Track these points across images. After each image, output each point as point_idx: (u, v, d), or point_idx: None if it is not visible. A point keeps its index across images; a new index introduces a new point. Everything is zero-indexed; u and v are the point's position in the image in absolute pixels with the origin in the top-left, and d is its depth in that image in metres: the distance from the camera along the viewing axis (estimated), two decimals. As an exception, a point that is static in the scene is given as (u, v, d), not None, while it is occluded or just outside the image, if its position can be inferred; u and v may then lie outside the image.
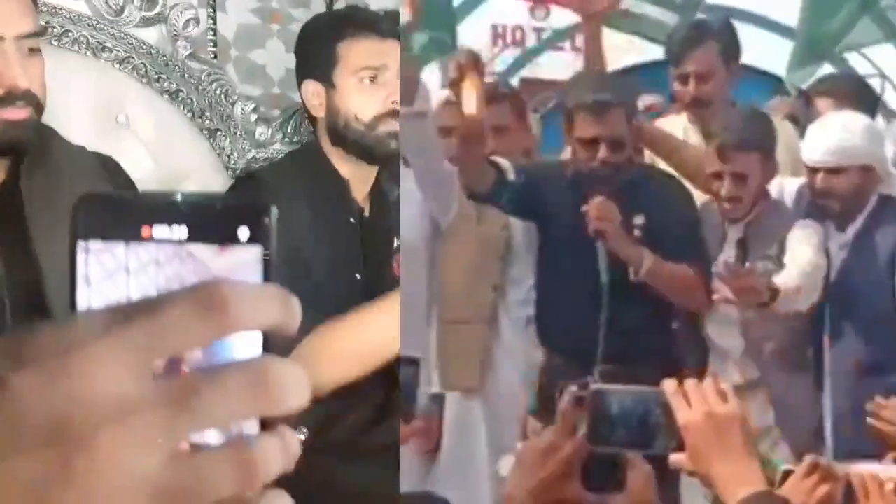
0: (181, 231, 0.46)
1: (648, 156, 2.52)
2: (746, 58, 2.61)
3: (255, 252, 0.47)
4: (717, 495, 1.23)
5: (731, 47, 2.50)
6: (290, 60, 2.58)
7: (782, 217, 2.33)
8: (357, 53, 2.09)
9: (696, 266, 2.28)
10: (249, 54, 2.59)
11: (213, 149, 2.46)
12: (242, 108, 2.47)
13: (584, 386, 1.64)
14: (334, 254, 2.12)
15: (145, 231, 0.46)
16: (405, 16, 2.31)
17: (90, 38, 2.29)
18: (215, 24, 2.52)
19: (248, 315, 0.44)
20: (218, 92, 2.44)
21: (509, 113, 2.50)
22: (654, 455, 1.19)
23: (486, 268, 2.42)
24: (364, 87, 2.10)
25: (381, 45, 2.10)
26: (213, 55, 2.50)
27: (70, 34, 2.27)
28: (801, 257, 2.24)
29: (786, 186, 2.40)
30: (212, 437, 0.45)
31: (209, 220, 0.47)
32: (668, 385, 1.22)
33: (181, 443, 0.43)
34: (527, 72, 3.55)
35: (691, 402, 1.22)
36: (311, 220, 2.09)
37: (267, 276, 0.47)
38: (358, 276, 2.15)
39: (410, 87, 2.22)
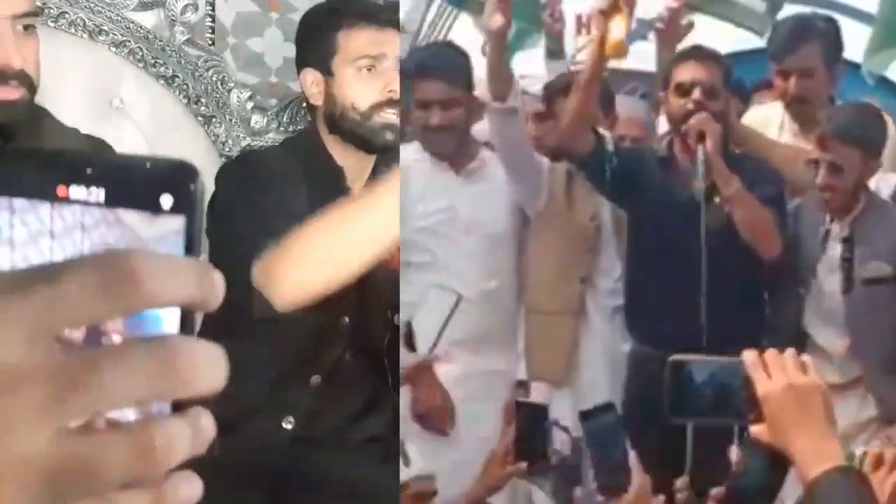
0: (99, 193, 0.43)
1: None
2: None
3: (177, 221, 0.44)
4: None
5: (835, 48, 2.50)
6: (288, 49, 2.57)
7: (889, 214, 2.32)
8: (355, 42, 2.09)
9: (777, 221, 2.31)
10: (247, 42, 2.58)
11: (208, 135, 2.46)
12: (238, 96, 2.46)
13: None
14: None
15: (61, 191, 0.43)
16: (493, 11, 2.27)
17: (87, 21, 2.28)
18: (214, 10, 2.51)
19: (162, 290, 0.41)
20: (214, 79, 2.43)
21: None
22: (736, 424, 1.21)
23: (575, 258, 2.44)
24: (361, 76, 2.10)
25: (379, 34, 2.10)
26: (210, 42, 2.49)
27: (67, 16, 2.27)
28: None
29: (884, 183, 2.39)
30: (118, 416, 0.43)
31: (130, 184, 0.44)
32: (748, 356, 1.22)
33: (75, 420, 0.40)
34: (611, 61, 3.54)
35: (771, 373, 1.21)
36: (306, 205, 2.08)
37: (189, 249, 0.44)
38: None
39: (504, 83, 2.29)
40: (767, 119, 2.55)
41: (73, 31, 2.27)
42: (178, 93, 2.40)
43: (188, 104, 2.41)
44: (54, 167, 0.44)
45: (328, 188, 2.12)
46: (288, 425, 2.09)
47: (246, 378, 2.07)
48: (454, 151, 2.44)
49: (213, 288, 0.44)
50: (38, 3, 1.90)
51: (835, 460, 1.17)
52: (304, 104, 2.45)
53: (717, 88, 2.33)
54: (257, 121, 2.50)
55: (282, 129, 2.52)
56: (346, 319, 2.13)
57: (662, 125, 2.57)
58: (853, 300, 2.28)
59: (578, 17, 3.72)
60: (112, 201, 0.43)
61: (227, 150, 2.47)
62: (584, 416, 1.47)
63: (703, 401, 1.21)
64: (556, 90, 2.51)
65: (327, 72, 2.10)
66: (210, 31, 2.50)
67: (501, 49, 2.30)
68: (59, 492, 0.40)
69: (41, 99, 1.84)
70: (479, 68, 2.44)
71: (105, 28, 2.30)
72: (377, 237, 1.72)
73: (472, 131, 2.49)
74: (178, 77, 2.38)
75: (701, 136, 2.27)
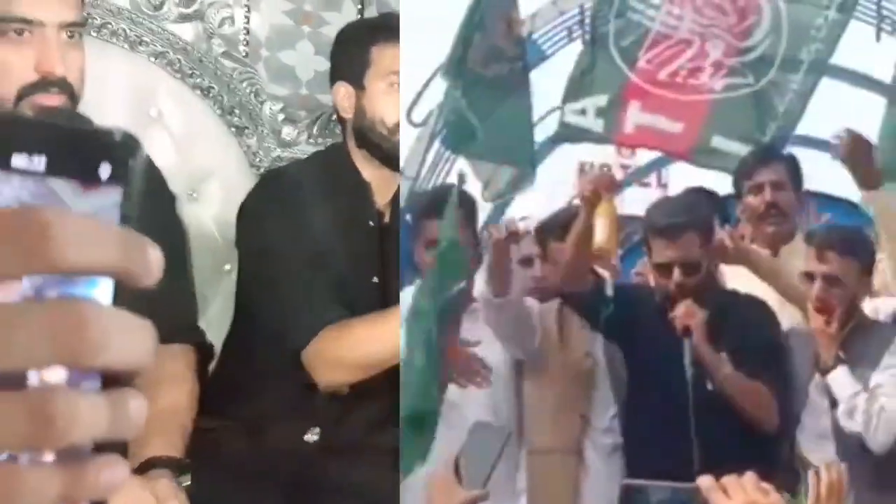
0: (40, 161, 0.42)
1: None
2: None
3: (114, 192, 0.43)
4: None
5: (797, 174, 2.54)
6: (319, 62, 2.63)
7: (879, 333, 2.30)
8: (388, 57, 2.15)
9: (772, 387, 2.28)
10: (279, 54, 2.64)
11: (240, 146, 2.52)
12: (271, 108, 2.52)
13: None
14: (352, 255, 2.16)
15: (3, 160, 0.42)
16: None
17: (128, 31, 2.35)
18: (248, 23, 2.57)
19: (76, 251, 0.39)
20: (248, 90, 2.49)
21: None
22: None
23: (572, 396, 2.41)
24: (392, 91, 2.15)
25: None
26: (244, 54, 2.55)
27: (109, 26, 2.33)
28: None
29: (881, 307, 2.38)
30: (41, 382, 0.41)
31: (70, 152, 0.42)
32: (704, 480, 1.18)
33: None
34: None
35: (731, 495, 1.17)
36: (332, 219, 2.14)
37: (125, 220, 0.43)
38: (375, 280, 2.19)
39: (506, 283, 2.28)
40: None
41: (114, 41, 2.34)
42: (213, 104, 2.46)
43: (222, 115, 2.47)
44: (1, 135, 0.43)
45: (356, 203, 2.18)
46: (313, 437, 2.14)
47: (273, 387, 2.12)
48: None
49: (146, 262, 0.42)
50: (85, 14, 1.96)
51: None
52: (334, 116, 2.50)
53: (698, 259, 2.29)
54: (288, 132, 2.55)
55: (311, 140, 2.57)
56: None
57: None
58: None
59: (581, 165, 3.80)
60: (52, 170, 0.42)
61: (259, 160, 2.52)
62: None
63: None
64: (549, 232, 2.49)
65: (359, 86, 2.15)
66: (244, 43, 2.56)
67: (505, 257, 2.28)
68: None
69: (83, 107, 1.89)
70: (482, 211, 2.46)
71: (146, 39, 2.37)
72: None
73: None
74: (213, 88, 2.44)
75: (686, 330, 2.25)
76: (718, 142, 2.90)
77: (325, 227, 2.12)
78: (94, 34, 2.29)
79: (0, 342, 0.39)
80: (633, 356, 2.37)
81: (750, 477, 1.20)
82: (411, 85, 2.29)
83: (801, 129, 2.95)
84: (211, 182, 2.46)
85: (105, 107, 2.20)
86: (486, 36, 2.63)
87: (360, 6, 2.68)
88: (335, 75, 2.20)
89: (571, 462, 2.40)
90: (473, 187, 2.54)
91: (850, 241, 2.27)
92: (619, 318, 2.33)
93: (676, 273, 2.26)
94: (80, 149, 0.42)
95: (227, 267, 2.48)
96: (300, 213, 2.10)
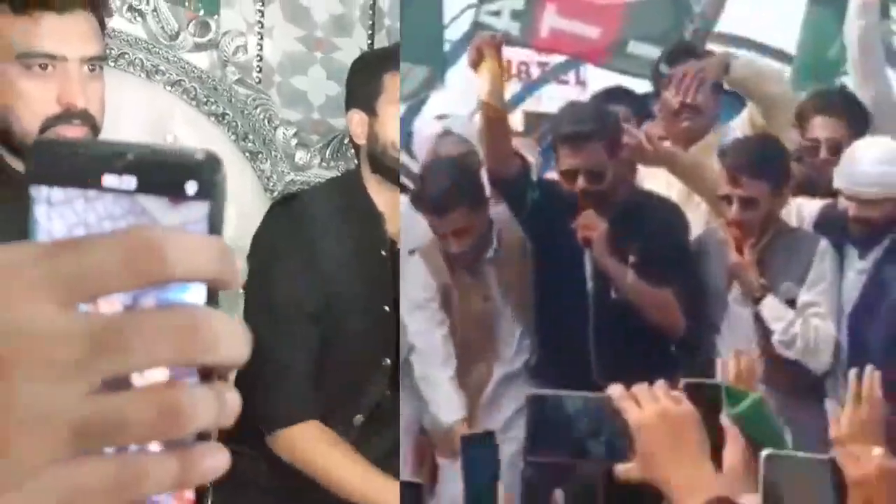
0: (130, 181, 0.46)
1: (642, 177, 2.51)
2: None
3: (202, 207, 0.46)
4: None
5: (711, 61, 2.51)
6: (331, 87, 2.67)
7: (800, 241, 2.33)
8: (400, 84, 2.20)
9: (678, 290, 2.29)
10: (292, 80, 2.68)
11: (255, 171, 2.55)
12: (284, 133, 2.56)
13: None
14: (364, 284, 2.19)
15: (96, 180, 0.46)
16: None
17: (144, 61, 2.39)
18: (262, 50, 2.61)
19: (183, 263, 0.43)
20: (262, 116, 2.53)
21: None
22: (604, 462, 1.12)
23: (477, 345, 2.41)
24: None
25: None
26: (258, 80, 2.59)
27: (126, 56, 2.38)
28: (820, 330, 2.23)
29: (804, 208, 2.40)
30: (146, 379, 0.44)
31: (157, 172, 0.46)
32: (615, 389, 1.16)
33: (104, 379, 0.42)
34: (530, 104, 3.57)
35: (642, 403, 1.14)
36: (344, 248, 2.17)
37: (212, 232, 0.46)
38: (386, 308, 2.22)
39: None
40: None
41: (131, 70, 2.38)
42: (227, 130, 2.50)
43: (236, 140, 2.51)
44: (92, 156, 0.46)
45: (368, 232, 2.21)
46: (357, 422, 2.18)
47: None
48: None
49: (233, 268, 0.46)
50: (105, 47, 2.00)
51: (712, 491, 1.11)
52: (346, 140, 2.54)
53: (603, 167, 2.29)
54: (301, 157, 2.59)
55: (324, 164, 2.61)
56: (388, 361, 2.23)
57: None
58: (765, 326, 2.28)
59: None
60: (142, 188, 0.45)
61: (272, 185, 2.56)
62: (464, 440, 1.41)
63: (567, 439, 1.12)
64: None
65: (372, 112, 2.19)
66: (258, 69, 2.61)
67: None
68: (83, 447, 0.42)
69: (102, 136, 1.93)
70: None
71: (161, 68, 2.41)
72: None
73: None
74: (227, 115, 2.49)
75: (587, 241, 2.27)
76: (635, 46, 2.89)
77: (336, 257, 2.16)
78: (112, 64, 2.33)
79: (121, 348, 0.42)
80: (543, 256, 2.36)
81: (661, 385, 1.17)
82: None
83: (720, 27, 2.95)
84: (226, 206, 2.49)
85: (122, 135, 2.24)
86: None
87: (370, 31, 2.73)
88: (349, 103, 2.24)
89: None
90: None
91: (761, 162, 2.26)
92: (539, 210, 2.34)
93: (581, 180, 2.27)
94: (166, 168, 0.46)
95: (241, 291, 2.51)
96: (309, 246, 2.13)
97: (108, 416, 0.42)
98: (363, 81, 2.21)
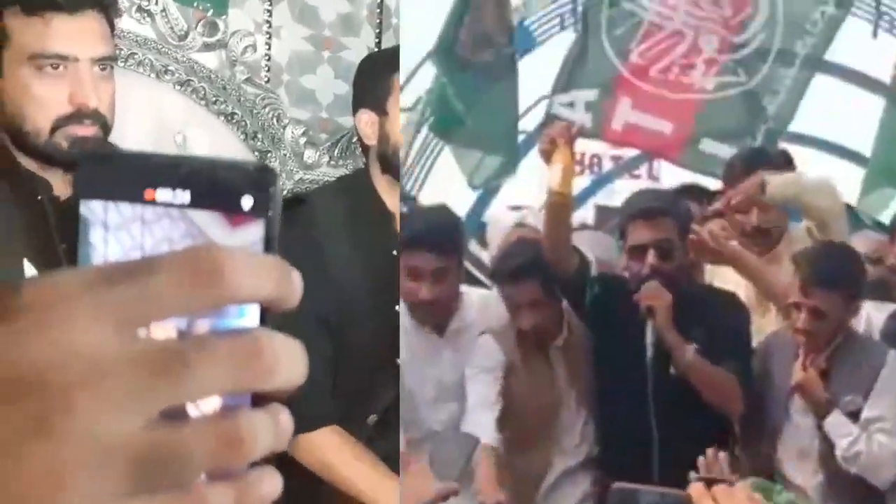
0: (184, 196, 0.44)
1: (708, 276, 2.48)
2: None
3: (258, 222, 0.44)
4: None
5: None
6: (339, 86, 2.68)
7: (867, 351, 2.26)
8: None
9: (738, 376, 2.26)
10: (300, 79, 2.69)
11: (264, 170, 2.55)
12: (293, 132, 2.57)
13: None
14: (374, 283, 2.20)
15: (148, 194, 0.44)
16: None
17: (154, 61, 2.40)
18: (270, 49, 2.62)
19: (244, 285, 0.42)
20: (270, 115, 2.54)
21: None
22: None
23: (542, 426, 2.36)
24: None
25: None
26: (266, 80, 2.60)
27: (136, 56, 2.39)
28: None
29: (873, 314, 2.34)
30: (202, 408, 0.43)
31: (212, 186, 0.44)
32: (696, 488, 1.16)
33: (163, 409, 0.41)
34: (602, 197, 3.54)
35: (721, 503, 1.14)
36: (354, 248, 2.18)
37: (268, 248, 0.45)
38: (397, 309, 2.23)
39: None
40: None
41: (140, 70, 2.39)
42: (236, 129, 2.51)
43: (245, 139, 2.52)
44: (143, 169, 0.45)
45: (379, 233, 2.21)
46: (371, 421, 2.20)
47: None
48: (438, 318, 2.37)
49: (292, 286, 0.44)
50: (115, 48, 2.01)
51: None
52: (355, 139, 2.54)
53: (673, 245, 2.28)
54: (310, 155, 2.60)
55: (333, 163, 2.62)
56: (399, 360, 2.24)
57: None
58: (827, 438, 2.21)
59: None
60: (196, 203, 0.44)
61: (282, 183, 2.56)
62: None
63: None
64: None
65: (382, 112, 2.20)
66: (266, 69, 2.62)
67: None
68: (144, 480, 0.41)
69: (112, 135, 1.93)
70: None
71: (171, 68, 2.42)
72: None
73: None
74: (236, 114, 2.49)
75: (650, 311, 2.24)
76: (707, 144, 2.87)
77: (346, 257, 2.16)
78: (122, 64, 2.34)
79: (182, 375, 0.41)
80: (603, 348, 2.34)
81: (742, 487, 1.18)
82: (402, 71, 2.29)
83: (794, 126, 2.93)
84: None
85: (131, 134, 2.25)
86: (476, 21, 2.60)
87: (377, 30, 2.74)
88: (358, 103, 2.24)
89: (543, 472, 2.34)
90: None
91: (834, 273, 2.20)
92: (599, 304, 2.33)
93: (651, 255, 2.25)
94: (221, 182, 0.44)
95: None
96: (320, 251, 2.13)
97: (170, 447, 0.41)
98: (372, 82, 2.22)
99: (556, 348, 2.36)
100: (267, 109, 2.54)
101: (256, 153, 2.55)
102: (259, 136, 2.54)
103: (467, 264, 2.52)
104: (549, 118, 2.81)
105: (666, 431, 2.26)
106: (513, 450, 2.27)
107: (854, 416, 2.20)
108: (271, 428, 0.43)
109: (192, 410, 0.43)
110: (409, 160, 2.82)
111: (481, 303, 2.39)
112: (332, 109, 2.71)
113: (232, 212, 0.44)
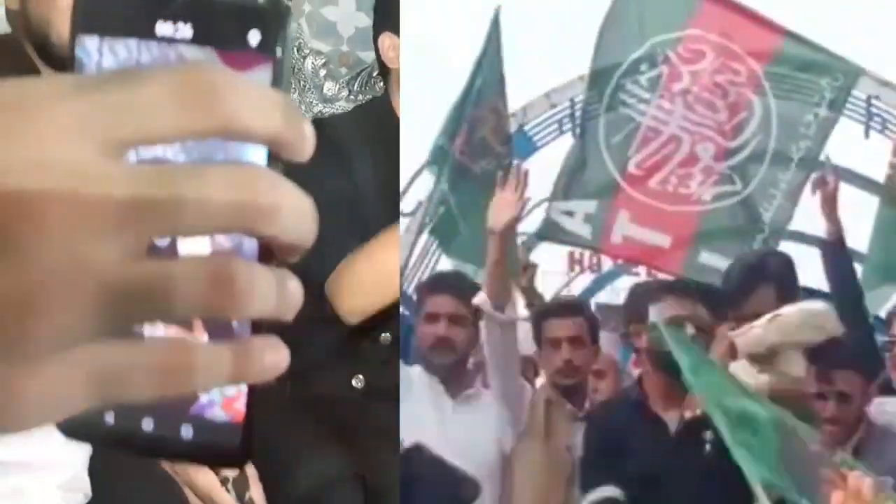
0: (185, 30, 0.40)
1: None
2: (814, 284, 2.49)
3: (266, 63, 0.40)
4: None
5: (790, 287, 2.36)
6: (360, 19, 2.65)
7: (887, 439, 2.20)
8: None
9: None
10: (322, 10, 2.65)
11: (282, 101, 2.53)
12: (313, 63, 2.54)
13: None
14: (393, 206, 2.20)
15: (148, 28, 0.40)
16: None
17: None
18: (292, -25, 2.59)
19: (243, 113, 0.37)
20: (291, 45, 2.50)
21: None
22: None
23: (553, 489, 2.22)
24: None
25: None
26: (287, 8, 2.56)
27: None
28: None
29: (888, 407, 2.29)
30: (193, 247, 0.40)
31: (218, 19, 0.40)
32: None
33: (148, 240, 0.37)
34: (603, 296, 3.51)
35: None
36: (373, 171, 2.16)
37: (275, 87, 0.40)
38: None
39: (504, 289, 2.12)
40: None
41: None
42: (255, 57, 2.47)
43: (264, 69, 2.49)
44: (144, 3, 0.41)
45: (397, 156, 2.20)
46: (358, 384, 2.18)
47: (319, 331, 2.16)
48: (453, 376, 2.24)
49: (301, 128, 0.40)
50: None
51: None
52: (375, 73, 2.51)
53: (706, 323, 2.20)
54: (329, 88, 2.58)
55: (352, 97, 2.60)
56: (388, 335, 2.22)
57: None
58: None
59: (571, 254, 3.68)
60: (198, 38, 0.40)
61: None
62: None
63: None
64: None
65: None
66: (288, -2, 2.58)
67: (504, 248, 2.06)
68: (125, 314, 0.37)
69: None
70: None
71: (189, -6, 2.38)
72: None
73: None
74: (256, 42, 2.46)
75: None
76: (707, 257, 2.84)
77: (366, 179, 2.15)
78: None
79: (172, 203, 0.36)
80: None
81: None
82: (403, 172, 2.31)
83: (793, 225, 2.91)
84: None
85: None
86: (474, 129, 2.59)
87: (404, -41, 2.69)
88: (379, 27, 2.22)
89: None
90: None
91: (850, 353, 2.18)
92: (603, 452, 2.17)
93: (690, 327, 2.15)
94: (226, 15, 0.40)
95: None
96: (340, 158, 2.12)
97: (153, 281, 0.36)
98: (394, 4, 2.19)
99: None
100: (287, 38, 2.50)
101: (275, 83, 2.52)
102: (278, 65, 2.51)
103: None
104: (549, 225, 2.78)
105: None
106: None
107: None
108: (272, 284, 0.39)
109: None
110: (410, 265, 2.77)
111: None
112: (353, 43, 2.68)
113: (238, 48, 0.40)
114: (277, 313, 0.39)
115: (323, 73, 2.57)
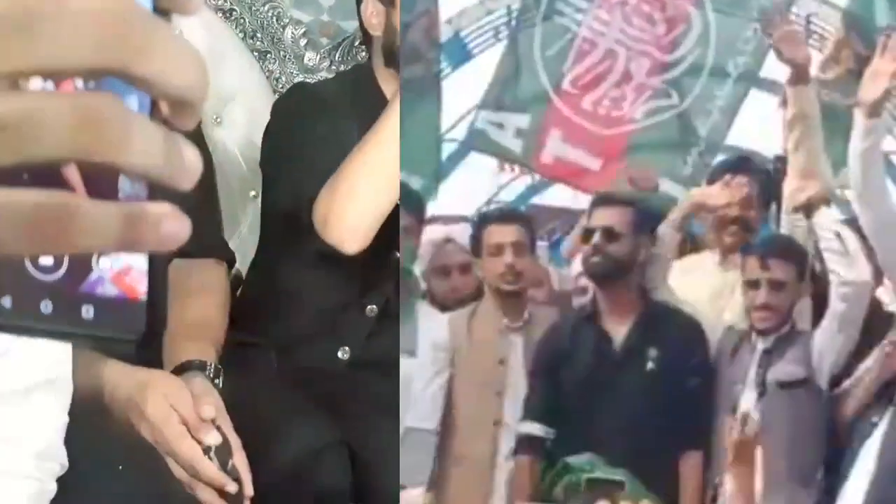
0: None
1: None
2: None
3: None
4: None
5: (769, 190, 2.41)
6: (342, -13, 2.59)
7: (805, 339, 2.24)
8: None
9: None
10: (302, -22, 2.61)
11: (263, 71, 2.49)
12: (293, 33, 2.50)
13: None
14: None
15: None
16: None
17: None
18: (272, -56, 2.54)
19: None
20: (270, 14, 2.47)
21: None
22: None
23: (485, 403, 2.20)
24: None
25: None
26: (267, -24, 2.52)
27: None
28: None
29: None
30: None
31: None
32: None
33: (12, 66, 0.34)
34: (536, 200, 3.49)
35: None
36: (356, 139, 2.11)
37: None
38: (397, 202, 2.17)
39: None
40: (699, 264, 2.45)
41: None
42: (234, 26, 2.43)
43: (244, 38, 2.45)
44: None
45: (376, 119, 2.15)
46: (344, 355, 2.14)
47: (304, 304, 2.11)
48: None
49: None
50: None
51: None
52: (358, 42, 2.46)
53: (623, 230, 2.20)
54: (310, 58, 2.54)
55: (334, 67, 2.56)
56: (398, 253, 2.17)
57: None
58: (767, 408, 2.18)
59: None
60: None
61: (281, 86, 2.50)
62: None
63: None
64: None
65: (389, 2, 2.12)
66: (267, -35, 2.54)
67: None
68: None
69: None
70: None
71: (169, -43, 2.33)
72: None
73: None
74: (235, 10, 2.43)
75: None
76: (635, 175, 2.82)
77: (347, 147, 2.09)
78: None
79: (46, 31, 0.34)
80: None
81: None
82: None
83: (729, 140, 2.90)
84: (234, 107, 2.45)
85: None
86: (406, 35, 2.53)
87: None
88: None
89: (485, 465, 2.17)
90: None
91: (789, 249, 2.25)
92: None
93: (597, 237, 2.17)
94: None
95: (253, 193, 2.46)
96: (324, 121, 2.07)
97: (13, 113, 0.34)
98: None
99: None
100: (266, 7, 2.46)
101: (255, 53, 2.47)
102: (258, 35, 2.46)
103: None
104: (477, 133, 2.72)
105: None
106: None
107: (789, 385, 2.18)
108: (157, 138, 0.36)
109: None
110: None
111: None
112: (335, 12, 2.64)
113: None
114: (168, 177, 0.36)
115: (303, 42, 2.52)
